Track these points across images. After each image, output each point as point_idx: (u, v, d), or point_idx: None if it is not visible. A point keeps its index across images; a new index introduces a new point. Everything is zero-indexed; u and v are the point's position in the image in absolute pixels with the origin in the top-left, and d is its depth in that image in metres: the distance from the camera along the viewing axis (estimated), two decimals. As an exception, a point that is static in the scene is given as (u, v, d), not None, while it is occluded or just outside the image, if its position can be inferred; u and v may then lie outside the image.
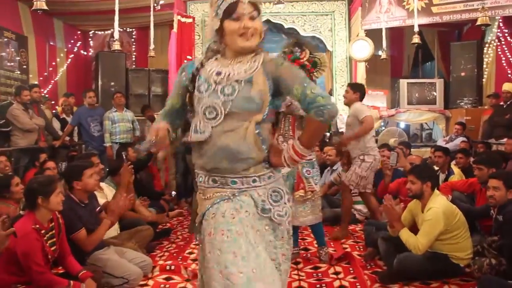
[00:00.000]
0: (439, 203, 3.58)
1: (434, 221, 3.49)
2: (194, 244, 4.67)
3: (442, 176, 5.35)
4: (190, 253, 4.41)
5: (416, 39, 6.30)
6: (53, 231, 3.17)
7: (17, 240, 2.86)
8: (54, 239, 3.16)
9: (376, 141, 8.19)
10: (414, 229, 3.68)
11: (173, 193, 6.72)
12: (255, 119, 1.88)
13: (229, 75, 1.89)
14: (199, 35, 9.12)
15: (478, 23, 6.42)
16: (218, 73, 1.90)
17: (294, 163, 1.95)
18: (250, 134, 1.87)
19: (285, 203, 1.98)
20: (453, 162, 5.80)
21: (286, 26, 9.33)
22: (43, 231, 3.05)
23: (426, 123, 9.60)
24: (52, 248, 3.12)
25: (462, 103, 8.85)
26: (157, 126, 1.99)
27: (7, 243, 2.78)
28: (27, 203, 3.19)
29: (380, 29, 8.05)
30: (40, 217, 3.07)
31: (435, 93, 9.17)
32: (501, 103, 7.52)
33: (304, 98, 1.84)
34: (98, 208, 3.80)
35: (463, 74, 9.06)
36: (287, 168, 3.46)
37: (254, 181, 1.93)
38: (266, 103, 1.91)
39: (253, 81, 1.88)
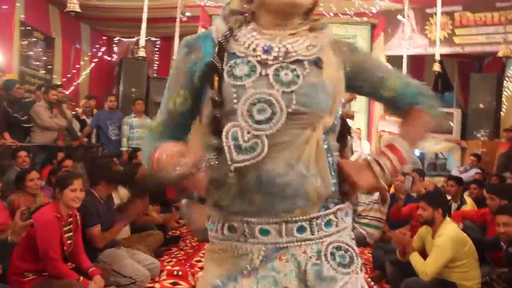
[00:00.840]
0: (450, 230, 3.58)
1: (444, 247, 3.49)
2: (202, 253, 4.71)
3: (454, 206, 5.33)
4: (198, 261, 4.44)
5: (436, 67, 6.35)
6: (71, 226, 3.26)
7: (39, 225, 2.96)
8: (71, 234, 3.24)
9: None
10: (423, 255, 3.68)
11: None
12: (323, 125, 1.21)
13: (286, 51, 1.19)
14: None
15: (500, 54, 6.46)
16: (267, 49, 1.19)
17: (394, 175, 1.44)
18: (314, 150, 1.19)
19: (358, 272, 1.26)
20: (466, 192, 5.78)
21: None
22: (63, 223, 3.14)
23: (441, 153, 9.57)
24: (68, 242, 3.20)
25: (479, 135, 8.82)
26: (171, 150, 1.12)
27: (23, 233, 2.86)
28: (53, 193, 3.33)
29: (401, 56, 8.10)
30: (62, 208, 3.19)
31: (452, 123, 9.15)
32: (519, 137, 7.50)
33: (406, 89, 1.33)
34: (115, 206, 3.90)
35: (481, 105, 9.05)
36: None
37: (301, 229, 1.22)
38: (339, 99, 1.25)
39: (323, 63, 1.22)
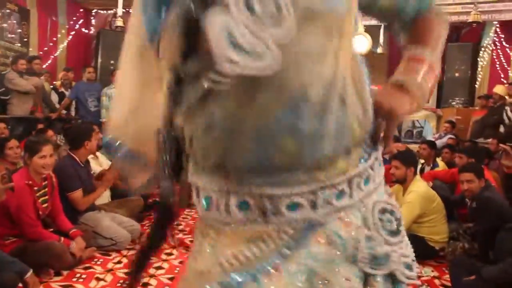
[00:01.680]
0: (419, 188, 3.75)
1: (413, 203, 3.66)
2: (182, 217, 4.82)
3: (427, 169, 5.51)
4: (178, 224, 4.54)
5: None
6: (46, 189, 3.31)
7: (11, 194, 2.98)
8: (47, 197, 3.31)
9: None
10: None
11: None
12: (348, 33, 0.87)
13: None
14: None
15: (470, 20, 6.57)
16: None
17: (431, 92, 1.00)
18: (350, 67, 0.88)
19: (404, 235, 0.99)
20: (439, 157, 5.96)
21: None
22: (35, 188, 3.19)
23: (417, 121, 9.76)
24: (44, 205, 3.26)
25: (454, 103, 9.02)
26: None
27: (4, 197, 2.90)
28: (24, 159, 3.35)
29: (379, 26, 8.18)
30: (33, 174, 3.21)
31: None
32: (491, 105, 7.70)
33: None
34: (92, 172, 3.97)
35: (457, 74, 9.23)
36: None
37: (340, 195, 0.89)
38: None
39: None
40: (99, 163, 4.53)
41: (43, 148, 3.22)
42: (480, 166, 3.92)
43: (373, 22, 9.12)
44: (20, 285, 2.71)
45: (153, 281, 3.11)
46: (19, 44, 8.64)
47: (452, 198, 4.27)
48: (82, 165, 3.82)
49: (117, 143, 1.03)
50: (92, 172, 4.05)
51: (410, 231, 3.71)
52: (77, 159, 3.78)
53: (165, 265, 3.43)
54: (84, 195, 3.69)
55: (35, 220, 3.15)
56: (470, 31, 9.70)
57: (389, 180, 4.51)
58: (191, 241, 3.93)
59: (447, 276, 3.29)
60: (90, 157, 4.30)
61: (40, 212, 3.23)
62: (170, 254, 3.69)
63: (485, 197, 3.49)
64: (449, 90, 9.24)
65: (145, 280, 3.11)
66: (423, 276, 3.41)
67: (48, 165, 3.26)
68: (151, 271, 3.29)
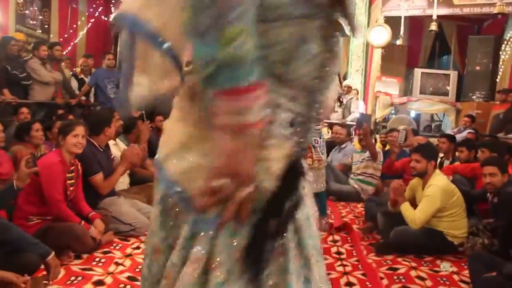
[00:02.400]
0: (439, 181, 3.71)
1: (433, 197, 3.62)
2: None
3: (446, 163, 5.45)
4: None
5: (433, 27, 6.37)
6: (73, 174, 3.38)
7: (44, 168, 3.08)
8: (73, 181, 3.37)
9: (385, 127, 8.33)
10: (414, 206, 3.81)
11: None
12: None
13: None
14: None
15: (495, 11, 6.46)
16: None
17: None
18: None
19: None
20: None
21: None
22: (66, 169, 3.28)
23: (436, 114, 9.67)
24: (71, 188, 3.33)
25: (474, 97, 8.90)
26: None
27: (28, 180, 2.95)
28: (57, 141, 3.52)
29: (400, 17, 8.10)
30: (65, 155, 3.31)
31: (448, 85, 9.21)
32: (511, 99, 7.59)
33: None
34: (113, 156, 4.02)
35: (478, 68, 9.08)
36: None
37: None
38: None
39: None
40: (119, 148, 4.55)
41: (76, 127, 3.35)
42: (504, 160, 3.87)
43: (393, 13, 9.06)
44: (42, 266, 2.76)
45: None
46: (40, 31, 8.73)
47: (473, 193, 4.23)
48: (102, 150, 3.85)
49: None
50: (112, 157, 4.08)
51: (429, 225, 3.69)
52: (96, 144, 3.81)
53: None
54: (104, 179, 3.73)
55: (63, 197, 3.24)
56: (492, 23, 9.54)
57: (409, 173, 4.49)
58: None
59: (466, 271, 3.26)
60: (110, 142, 4.35)
61: (68, 193, 3.30)
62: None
63: (508, 192, 3.45)
64: (470, 83, 9.11)
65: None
66: (441, 271, 3.38)
67: (81, 144, 3.35)
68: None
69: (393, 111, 9.27)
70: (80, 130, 3.35)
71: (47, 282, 2.64)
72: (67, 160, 3.32)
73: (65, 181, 3.28)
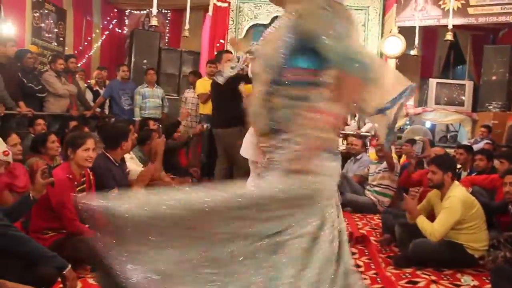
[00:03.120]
0: (458, 193, 3.64)
1: (452, 209, 3.56)
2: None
3: (464, 174, 5.37)
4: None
5: (449, 36, 6.30)
6: (84, 185, 3.34)
7: (52, 187, 3.02)
8: (85, 193, 3.33)
9: (401, 137, 8.26)
10: (431, 219, 3.75)
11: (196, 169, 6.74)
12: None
13: None
14: (233, 21, 9.22)
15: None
16: None
17: None
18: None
19: None
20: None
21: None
22: (75, 183, 3.23)
23: (452, 125, 9.56)
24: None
25: (491, 107, 8.77)
26: None
27: (45, 191, 2.94)
28: (64, 154, 3.41)
29: (414, 27, 8.04)
30: (74, 169, 3.26)
31: (463, 95, 9.11)
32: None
33: None
34: (128, 170, 4.00)
35: (494, 78, 8.97)
36: None
37: None
38: None
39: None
40: (135, 162, 4.55)
41: (87, 141, 3.29)
42: (525, 170, 3.79)
43: (407, 23, 9.01)
44: (59, 279, 2.74)
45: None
46: (55, 44, 8.83)
47: (492, 204, 4.15)
48: (117, 165, 3.84)
49: None
50: (127, 171, 4.06)
51: (448, 237, 3.61)
52: (112, 158, 3.80)
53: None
54: (118, 193, 3.72)
55: (74, 214, 3.19)
56: (508, 33, 9.44)
57: (426, 185, 4.43)
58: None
59: (488, 286, 3.19)
60: (126, 156, 4.35)
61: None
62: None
63: (529, 204, 3.38)
64: (486, 93, 8.98)
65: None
66: (463, 285, 3.30)
67: (92, 158, 3.32)
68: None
69: (407, 122, 9.18)
70: (90, 143, 3.30)
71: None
72: (76, 174, 3.28)
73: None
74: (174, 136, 6.31)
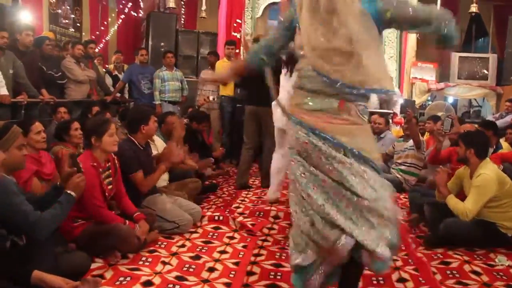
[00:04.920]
0: (489, 170, 3.55)
1: (484, 187, 3.48)
2: (240, 200, 4.81)
3: (490, 150, 5.24)
4: (237, 207, 4.53)
5: (474, 8, 6.12)
6: (110, 171, 3.33)
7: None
8: (111, 178, 3.33)
9: (423, 114, 8.11)
10: (461, 196, 3.68)
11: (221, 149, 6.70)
12: None
13: None
14: (249, 0, 9.08)
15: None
16: None
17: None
18: None
19: None
20: (503, 138, 5.68)
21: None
22: (100, 170, 3.22)
23: (475, 100, 9.38)
24: (109, 187, 3.28)
25: (516, 80, 8.57)
26: None
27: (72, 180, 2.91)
28: (85, 142, 3.40)
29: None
30: (98, 155, 3.24)
31: (487, 69, 8.90)
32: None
33: None
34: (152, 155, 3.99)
35: (519, 50, 8.73)
36: None
37: None
38: None
39: None
40: (156, 147, 4.53)
41: (111, 125, 3.28)
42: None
43: None
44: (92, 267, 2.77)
45: (218, 266, 3.10)
46: (72, 29, 8.82)
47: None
48: (142, 148, 3.81)
49: None
50: (152, 155, 4.05)
51: (480, 216, 3.54)
52: (136, 142, 3.78)
53: (229, 249, 3.42)
54: (144, 177, 3.71)
55: (102, 202, 3.20)
56: (532, 3, 9.17)
57: (455, 162, 4.34)
58: (252, 225, 3.92)
59: (523, 264, 3.13)
60: (158, 140, 4.35)
61: (107, 194, 3.26)
62: (232, 238, 3.68)
63: None
64: (510, 66, 8.76)
65: (211, 265, 3.11)
66: (497, 265, 3.24)
67: (117, 141, 3.31)
68: (215, 255, 3.28)
69: (429, 98, 9.02)
70: (113, 127, 3.30)
71: (97, 284, 2.63)
72: (101, 160, 3.26)
73: (101, 184, 3.21)
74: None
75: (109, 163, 3.36)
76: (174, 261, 3.13)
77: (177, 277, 2.88)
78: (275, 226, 3.97)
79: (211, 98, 7.00)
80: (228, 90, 7.04)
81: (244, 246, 3.49)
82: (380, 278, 2.96)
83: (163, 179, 4.43)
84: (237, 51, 7.60)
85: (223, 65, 6.99)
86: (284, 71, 4.22)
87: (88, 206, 3.11)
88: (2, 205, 2.29)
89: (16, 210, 2.34)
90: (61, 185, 2.75)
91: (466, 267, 3.18)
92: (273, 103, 3.94)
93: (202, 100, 6.97)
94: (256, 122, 5.31)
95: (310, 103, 2.10)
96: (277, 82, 3.79)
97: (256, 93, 4.85)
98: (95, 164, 3.19)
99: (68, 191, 2.61)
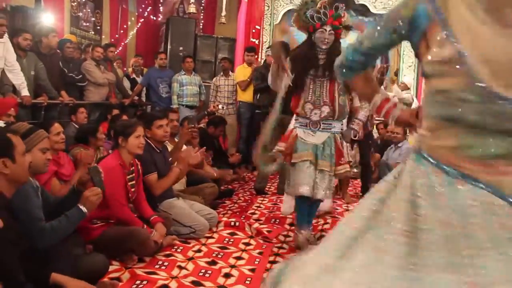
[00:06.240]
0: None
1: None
2: (256, 206, 4.80)
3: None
4: (253, 213, 4.52)
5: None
6: (133, 174, 3.38)
7: (104, 173, 3.02)
8: (134, 182, 3.37)
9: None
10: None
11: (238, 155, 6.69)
12: None
13: None
14: (268, 6, 9.09)
15: None
16: None
17: None
18: None
19: None
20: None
21: (356, 2, 9.15)
22: (126, 171, 3.27)
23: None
24: (132, 190, 3.32)
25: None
26: None
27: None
28: (114, 143, 3.50)
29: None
30: (124, 157, 3.30)
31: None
32: None
33: None
34: (170, 158, 4.01)
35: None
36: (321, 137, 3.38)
37: None
38: None
39: None
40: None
41: (138, 128, 3.33)
42: None
43: None
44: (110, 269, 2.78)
45: (234, 272, 3.09)
46: (92, 32, 8.93)
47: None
48: (158, 151, 3.83)
49: None
50: (170, 159, 4.06)
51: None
52: (152, 144, 3.79)
53: (245, 255, 3.41)
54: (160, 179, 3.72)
55: (126, 201, 3.24)
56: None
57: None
58: (268, 231, 3.91)
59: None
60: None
61: (130, 195, 3.30)
62: (248, 244, 3.67)
63: None
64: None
65: (227, 270, 3.10)
66: None
67: (143, 144, 3.36)
68: (231, 261, 3.27)
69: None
70: (140, 130, 3.36)
71: (115, 287, 2.64)
72: (126, 162, 3.31)
73: (126, 184, 3.27)
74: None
75: (133, 167, 3.40)
76: (190, 266, 3.13)
77: (193, 282, 2.87)
78: (291, 234, 3.95)
79: (220, 107, 7.03)
80: (246, 96, 7.04)
81: (260, 253, 3.48)
82: None
83: (181, 183, 4.44)
84: (256, 57, 7.60)
85: (243, 71, 7.04)
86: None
87: (111, 203, 3.13)
88: (19, 209, 2.31)
89: (26, 215, 2.34)
90: (78, 189, 2.77)
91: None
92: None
93: (212, 107, 7.01)
94: (280, 130, 5.30)
95: (479, 147, 1.22)
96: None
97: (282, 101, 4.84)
98: (122, 163, 3.25)
99: (81, 206, 2.55)
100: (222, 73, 7.52)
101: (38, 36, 5.83)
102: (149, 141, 3.78)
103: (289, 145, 3.49)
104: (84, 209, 2.55)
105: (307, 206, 3.56)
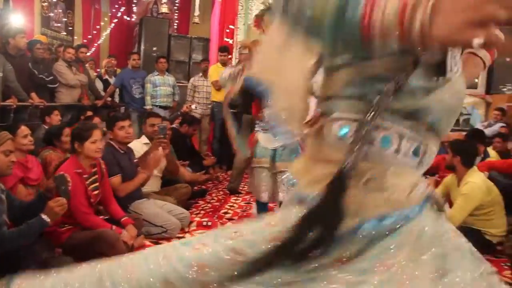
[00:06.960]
0: (476, 178, 3.60)
1: (470, 195, 3.52)
2: (229, 205, 4.82)
3: (478, 159, 5.28)
4: (226, 212, 4.54)
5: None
6: (96, 176, 3.33)
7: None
8: (97, 184, 3.32)
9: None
10: (449, 204, 3.71)
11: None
12: None
13: None
14: (242, 6, 9.11)
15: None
16: None
17: None
18: None
19: None
20: (491, 147, 5.73)
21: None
22: (85, 176, 3.22)
23: (464, 108, 9.43)
24: (95, 192, 3.28)
25: (505, 89, 8.65)
26: None
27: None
28: (71, 148, 3.41)
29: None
30: (82, 161, 3.24)
31: (477, 78, 8.96)
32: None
33: None
34: (135, 160, 3.99)
35: (508, 59, 8.81)
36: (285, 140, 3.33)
37: None
38: None
39: None
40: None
41: (93, 132, 3.25)
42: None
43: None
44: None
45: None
46: (64, 33, 8.82)
47: (511, 190, 4.10)
48: (122, 151, 3.81)
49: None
50: (135, 160, 4.03)
51: (465, 223, 3.57)
52: (116, 146, 3.78)
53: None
54: (124, 182, 3.71)
55: (88, 208, 3.20)
56: (522, 13, 9.27)
57: (443, 170, 4.38)
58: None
59: (508, 272, 3.16)
60: (144, 142, 4.34)
61: (92, 200, 3.26)
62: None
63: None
64: (500, 75, 8.82)
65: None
66: (482, 272, 3.26)
67: (100, 149, 3.29)
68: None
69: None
70: (97, 134, 3.26)
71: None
72: (85, 166, 3.25)
73: (86, 190, 3.21)
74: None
75: (95, 168, 3.35)
76: (161, 267, 3.12)
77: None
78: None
79: (193, 107, 7.07)
80: (219, 96, 7.05)
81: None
82: None
83: (156, 186, 4.43)
84: (230, 57, 7.61)
85: (217, 71, 7.03)
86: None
87: (74, 212, 3.11)
88: None
89: None
90: (45, 195, 2.75)
91: (451, 274, 3.20)
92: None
93: (185, 108, 7.03)
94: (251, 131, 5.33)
95: None
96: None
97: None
98: (79, 170, 3.18)
99: (43, 216, 2.53)
100: (201, 74, 7.52)
101: (5, 38, 5.73)
102: (112, 142, 3.77)
103: (251, 149, 3.55)
104: (47, 219, 2.54)
105: (267, 209, 3.70)
